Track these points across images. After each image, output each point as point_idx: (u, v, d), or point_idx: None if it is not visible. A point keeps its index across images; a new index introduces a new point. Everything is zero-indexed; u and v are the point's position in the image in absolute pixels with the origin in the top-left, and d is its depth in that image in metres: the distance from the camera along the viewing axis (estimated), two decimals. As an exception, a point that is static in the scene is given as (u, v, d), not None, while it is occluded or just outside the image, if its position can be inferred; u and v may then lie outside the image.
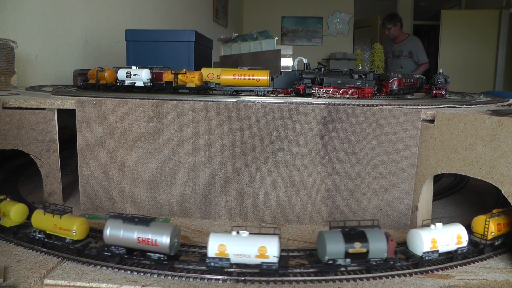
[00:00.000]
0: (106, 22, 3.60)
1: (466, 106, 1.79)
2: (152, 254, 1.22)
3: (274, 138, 1.62)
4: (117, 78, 2.02)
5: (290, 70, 3.11)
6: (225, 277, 1.19)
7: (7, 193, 1.56)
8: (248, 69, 1.91)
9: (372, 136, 1.58)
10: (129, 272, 1.21)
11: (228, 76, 1.89)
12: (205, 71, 2.00)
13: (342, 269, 1.22)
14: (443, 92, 2.17)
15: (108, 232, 1.24)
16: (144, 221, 1.23)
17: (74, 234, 1.29)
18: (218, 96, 1.81)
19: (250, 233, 1.19)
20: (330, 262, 1.19)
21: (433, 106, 1.70)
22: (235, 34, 5.00)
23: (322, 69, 1.92)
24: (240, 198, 1.67)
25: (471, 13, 9.50)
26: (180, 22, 5.40)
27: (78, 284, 1.17)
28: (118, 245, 1.24)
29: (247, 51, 4.74)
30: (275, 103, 1.63)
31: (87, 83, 2.16)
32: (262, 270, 1.17)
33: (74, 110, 1.68)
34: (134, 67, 1.98)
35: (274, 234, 1.19)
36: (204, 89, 1.93)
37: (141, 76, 1.95)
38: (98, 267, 1.24)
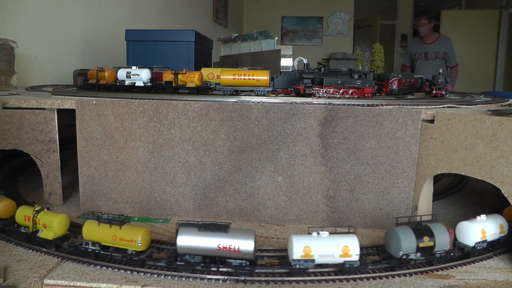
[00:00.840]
0: (106, 22, 3.60)
1: (466, 106, 1.79)
2: (233, 261, 1.19)
3: (274, 138, 1.62)
4: (117, 78, 2.02)
5: (290, 70, 3.11)
6: (225, 277, 1.19)
7: (36, 203, 1.55)
8: (248, 69, 1.91)
9: (372, 136, 1.58)
10: (129, 272, 1.21)
11: (228, 76, 1.89)
12: (205, 71, 2.00)
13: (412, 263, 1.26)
14: (443, 92, 2.17)
15: (182, 241, 1.19)
16: (221, 228, 1.20)
17: (140, 244, 1.23)
18: (218, 96, 1.81)
19: (330, 233, 1.22)
20: (404, 257, 1.24)
21: (433, 106, 1.70)
22: (235, 34, 5.00)
23: (322, 69, 1.92)
24: (240, 198, 1.67)
25: (471, 13, 9.50)
26: (180, 22, 5.40)
27: (78, 284, 1.17)
28: (194, 254, 1.20)
29: (247, 51, 4.74)
30: (275, 103, 1.63)
31: (87, 83, 2.16)
32: (344, 269, 1.21)
33: (74, 110, 1.68)
34: (134, 67, 1.98)
35: (350, 233, 1.23)
36: (204, 89, 1.93)
37: (141, 76, 1.95)
38: (98, 267, 1.24)
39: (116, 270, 1.22)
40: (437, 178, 2.27)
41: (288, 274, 1.20)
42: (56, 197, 1.79)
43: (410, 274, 1.24)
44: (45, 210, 1.40)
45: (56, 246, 1.33)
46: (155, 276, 1.20)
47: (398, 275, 1.23)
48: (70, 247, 1.31)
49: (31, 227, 1.39)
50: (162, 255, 1.29)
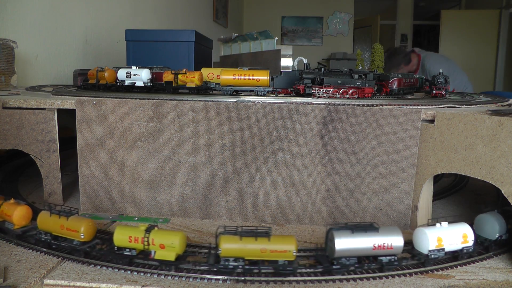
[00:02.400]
0: (106, 22, 3.60)
1: (466, 106, 1.79)
2: (383, 258, 1.23)
3: (274, 138, 1.62)
4: (117, 78, 2.02)
5: (290, 70, 3.11)
6: (225, 277, 1.19)
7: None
8: (248, 69, 1.91)
9: (372, 136, 1.58)
10: (129, 272, 1.21)
11: (228, 76, 1.89)
12: (205, 71, 2.00)
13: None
14: (443, 92, 2.17)
15: (340, 244, 1.18)
16: (372, 228, 1.23)
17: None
18: (218, 96, 1.81)
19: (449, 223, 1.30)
20: (499, 238, 1.38)
21: (433, 106, 1.70)
22: (235, 34, 5.01)
23: (322, 69, 1.92)
24: (240, 198, 1.67)
25: (471, 13, 9.50)
26: (180, 22, 5.40)
27: (78, 284, 1.17)
28: (349, 255, 1.21)
29: (247, 51, 4.74)
30: (275, 103, 1.63)
31: (87, 83, 2.16)
32: (462, 254, 1.30)
33: (74, 110, 1.68)
34: (134, 67, 1.98)
35: (461, 222, 1.33)
36: (204, 89, 1.93)
37: (141, 76, 1.95)
38: (98, 267, 1.24)
39: (116, 270, 1.22)
40: (437, 178, 2.27)
41: (421, 265, 1.27)
42: (56, 197, 1.79)
43: (410, 274, 1.24)
44: (156, 228, 1.26)
45: (176, 268, 1.21)
46: (155, 276, 1.20)
47: (398, 275, 1.23)
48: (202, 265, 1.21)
49: (142, 248, 1.24)
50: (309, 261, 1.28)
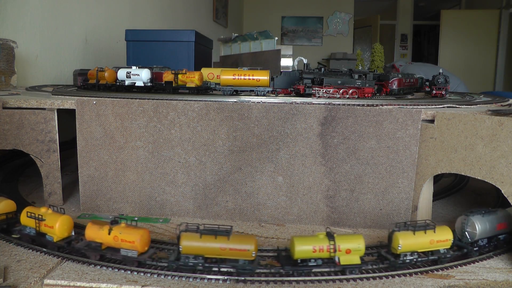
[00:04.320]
0: (106, 22, 3.60)
1: (466, 106, 1.79)
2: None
3: (274, 138, 1.62)
4: (117, 78, 2.02)
5: (290, 70, 3.11)
6: (225, 277, 1.19)
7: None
8: (248, 69, 1.91)
9: (372, 136, 1.58)
10: (129, 272, 1.21)
11: (228, 76, 1.89)
12: (205, 71, 2.00)
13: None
14: (443, 92, 2.17)
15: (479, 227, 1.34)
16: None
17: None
18: (218, 96, 1.81)
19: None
20: None
21: (433, 106, 1.70)
22: (235, 34, 5.01)
23: (322, 69, 1.92)
24: (240, 198, 1.67)
25: (471, 13, 9.50)
26: (180, 22, 5.40)
27: (78, 284, 1.17)
28: (484, 237, 1.37)
29: (247, 51, 4.75)
30: (275, 103, 1.63)
31: (87, 83, 2.16)
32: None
33: (74, 110, 1.68)
34: (134, 67, 1.98)
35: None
36: (204, 89, 1.93)
37: (141, 76, 1.95)
38: (98, 267, 1.24)
39: (116, 270, 1.22)
40: (437, 178, 2.27)
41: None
42: (56, 197, 1.79)
43: (410, 274, 1.24)
44: (335, 234, 1.24)
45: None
46: (155, 276, 1.20)
47: (398, 275, 1.23)
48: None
49: (328, 256, 1.21)
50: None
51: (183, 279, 1.18)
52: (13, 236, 1.41)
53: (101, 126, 1.68)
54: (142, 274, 1.21)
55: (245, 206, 1.68)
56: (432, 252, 1.28)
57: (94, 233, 1.26)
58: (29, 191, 2.01)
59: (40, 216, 1.32)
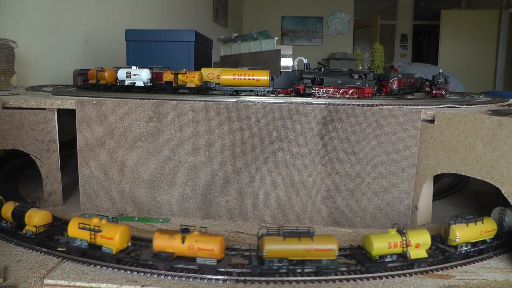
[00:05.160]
0: (106, 22, 3.60)
1: (466, 106, 1.79)
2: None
3: (274, 138, 1.62)
4: (117, 78, 2.02)
5: (290, 70, 3.11)
6: (225, 277, 1.19)
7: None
8: (248, 69, 1.91)
9: (372, 136, 1.58)
10: (129, 272, 1.21)
11: (228, 76, 1.89)
12: (205, 71, 2.00)
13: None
14: (443, 92, 2.17)
15: None
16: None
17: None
18: (218, 96, 1.81)
19: None
20: None
21: (433, 106, 1.70)
22: (235, 34, 5.01)
23: (322, 69, 1.92)
24: (240, 198, 1.67)
25: (471, 13, 9.50)
26: (180, 22, 5.40)
27: (78, 284, 1.17)
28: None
29: (247, 51, 4.75)
30: (275, 103, 1.63)
31: (87, 83, 2.16)
32: None
33: (74, 110, 1.68)
34: (134, 67, 1.98)
35: None
36: (204, 89, 1.93)
37: (141, 76, 1.95)
38: (98, 267, 1.24)
39: (116, 270, 1.22)
40: (437, 178, 2.27)
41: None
42: (56, 197, 1.79)
43: (410, 274, 1.24)
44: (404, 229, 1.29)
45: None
46: (155, 276, 1.20)
47: (398, 275, 1.23)
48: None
49: (401, 251, 1.26)
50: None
51: (183, 279, 1.18)
52: (59, 249, 1.32)
53: (101, 126, 1.68)
54: (142, 274, 1.21)
55: (245, 206, 1.68)
56: (481, 242, 1.36)
57: (165, 242, 1.19)
58: (29, 191, 2.00)
59: (96, 227, 1.24)
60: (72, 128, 1.69)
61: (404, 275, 1.23)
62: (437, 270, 1.26)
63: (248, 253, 1.31)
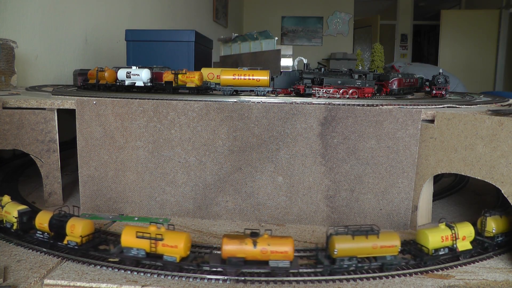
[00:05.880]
0: (106, 22, 3.60)
1: (466, 106, 1.79)
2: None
3: (274, 138, 1.62)
4: (117, 78, 2.02)
5: (290, 70, 3.11)
6: (225, 277, 1.19)
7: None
8: (248, 69, 1.91)
9: (372, 136, 1.58)
10: (129, 272, 1.21)
11: (228, 76, 1.89)
12: (205, 71, 2.00)
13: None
14: (443, 92, 2.17)
15: None
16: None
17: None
18: (218, 96, 1.81)
19: None
20: None
21: (433, 106, 1.70)
22: (235, 34, 5.01)
23: (322, 69, 1.92)
24: (240, 198, 1.67)
25: (471, 13, 9.50)
26: (180, 22, 5.40)
27: (78, 284, 1.17)
28: None
29: (247, 51, 4.75)
30: (275, 103, 1.63)
31: (87, 83, 2.16)
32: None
33: (74, 110, 1.68)
34: (134, 67, 1.98)
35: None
36: (204, 89, 1.93)
37: (141, 76, 1.95)
38: (98, 267, 1.24)
39: (116, 270, 1.22)
40: (437, 178, 2.27)
41: None
42: (56, 197, 1.79)
43: (410, 274, 1.24)
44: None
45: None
46: (155, 276, 1.20)
47: (398, 275, 1.23)
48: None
49: (451, 244, 1.32)
50: None
51: (183, 279, 1.18)
52: (111, 260, 1.26)
53: (101, 126, 1.68)
54: (142, 274, 1.21)
55: (245, 206, 1.68)
56: (506, 234, 1.43)
57: (235, 247, 1.17)
58: (29, 191, 2.01)
59: (158, 236, 1.21)
60: (72, 128, 1.69)
61: (404, 275, 1.23)
62: (437, 270, 1.26)
63: (311, 253, 1.34)
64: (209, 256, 1.26)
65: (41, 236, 1.38)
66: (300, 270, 1.20)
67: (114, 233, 1.47)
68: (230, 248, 1.17)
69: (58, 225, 1.33)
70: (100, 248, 1.34)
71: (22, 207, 1.45)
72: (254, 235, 1.19)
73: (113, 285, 1.16)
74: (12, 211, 1.43)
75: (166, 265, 1.21)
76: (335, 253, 1.20)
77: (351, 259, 1.21)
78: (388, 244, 1.23)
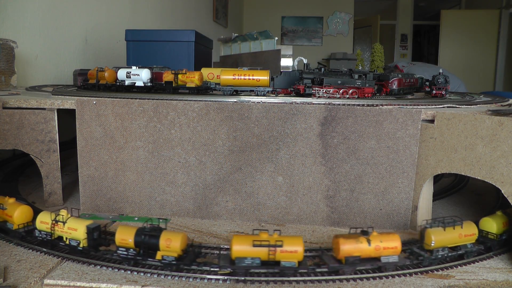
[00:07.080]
0: (106, 22, 3.60)
1: (466, 106, 1.79)
2: None
3: (274, 138, 1.62)
4: (117, 78, 2.02)
5: (290, 70, 3.11)
6: (225, 277, 1.19)
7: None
8: (248, 69, 1.91)
9: (372, 136, 1.58)
10: (129, 272, 1.21)
11: (228, 76, 1.89)
12: (205, 71, 2.00)
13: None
14: (443, 92, 2.17)
15: None
16: None
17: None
18: (218, 96, 1.81)
19: None
20: None
21: (433, 106, 1.70)
22: (235, 34, 5.01)
23: (322, 69, 1.92)
24: (240, 198, 1.67)
25: (471, 13, 9.50)
26: (180, 22, 5.40)
27: (78, 284, 1.17)
28: None
29: (247, 51, 4.75)
30: (275, 103, 1.63)
31: (87, 83, 2.16)
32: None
33: (74, 110, 1.68)
34: (134, 67, 1.98)
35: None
36: (204, 89, 1.93)
37: (141, 76, 1.95)
38: (98, 267, 1.24)
39: (116, 270, 1.22)
40: (437, 178, 2.27)
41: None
42: (56, 197, 1.79)
43: (410, 274, 1.24)
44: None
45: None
46: (155, 276, 1.20)
47: (398, 275, 1.23)
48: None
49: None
50: None
51: (183, 279, 1.18)
52: (221, 272, 1.21)
53: (101, 126, 1.68)
54: (142, 274, 1.21)
55: (245, 206, 1.68)
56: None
57: (352, 247, 1.22)
58: (29, 191, 2.01)
59: (279, 242, 1.19)
60: (72, 128, 1.69)
61: (404, 275, 1.23)
62: (437, 270, 1.26)
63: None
64: (325, 257, 1.28)
65: (124, 253, 1.25)
66: (408, 263, 1.28)
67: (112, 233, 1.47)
68: (348, 247, 1.23)
69: (148, 241, 1.23)
70: (198, 261, 1.26)
71: (88, 221, 1.30)
72: (364, 233, 1.27)
73: (113, 285, 1.16)
74: (79, 227, 1.28)
75: (284, 272, 1.20)
76: (432, 244, 1.29)
77: (444, 249, 1.31)
78: (469, 233, 1.34)
